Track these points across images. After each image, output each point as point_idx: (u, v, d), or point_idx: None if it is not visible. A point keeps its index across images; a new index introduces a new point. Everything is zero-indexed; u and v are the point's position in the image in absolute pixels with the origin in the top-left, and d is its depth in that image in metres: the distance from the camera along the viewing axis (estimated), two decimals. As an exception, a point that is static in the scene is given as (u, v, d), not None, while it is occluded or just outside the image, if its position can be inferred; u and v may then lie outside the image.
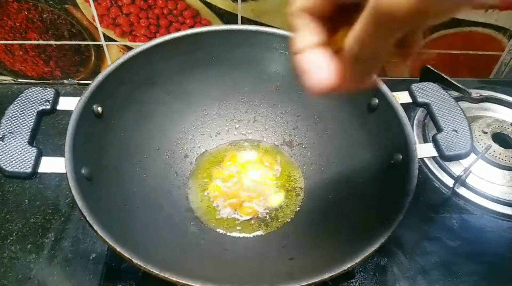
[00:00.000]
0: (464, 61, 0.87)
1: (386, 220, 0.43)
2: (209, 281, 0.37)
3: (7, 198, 0.63)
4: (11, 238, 0.58)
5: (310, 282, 0.38)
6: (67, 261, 0.57)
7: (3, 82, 0.82)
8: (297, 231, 0.56)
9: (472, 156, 0.63)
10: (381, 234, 0.41)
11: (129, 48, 0.78)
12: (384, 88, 0.52)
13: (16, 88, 0.80)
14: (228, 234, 0.56)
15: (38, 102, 0.47)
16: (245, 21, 0.75)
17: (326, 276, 0.38)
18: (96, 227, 0.39)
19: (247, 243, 0.55)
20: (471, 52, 0.85)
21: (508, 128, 0.70)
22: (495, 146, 0.67)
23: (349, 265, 0.39)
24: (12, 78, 0.82)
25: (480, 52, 0.85)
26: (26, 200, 0.63)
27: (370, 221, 0.47)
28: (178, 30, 0.76)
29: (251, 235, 0.56)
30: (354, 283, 0.56)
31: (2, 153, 0.43)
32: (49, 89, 0.48)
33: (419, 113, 0.74)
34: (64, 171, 0.42)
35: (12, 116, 0.45)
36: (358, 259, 0.39)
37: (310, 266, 0.43)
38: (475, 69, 0.88)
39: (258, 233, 0.57)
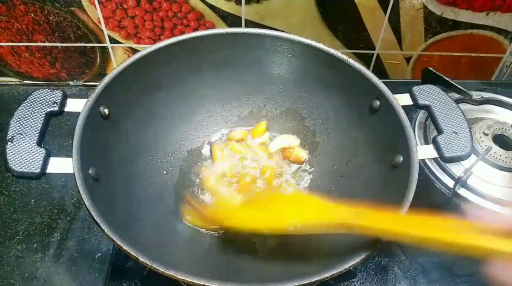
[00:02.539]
0: (465, 63, 0.87)
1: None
2: (213, 279, 0.38)
3: (13, 198, 0.64)
4: (17, 237, 0.59)
5: (312, 280, 0.38)
6: (73, 260, 0.57)
7: (10, 83, 0.83)
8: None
9: (473, 157, 0.64)
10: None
11: (134, 50, 0.79)
12: (386, 90, 0.53)
13: (23, 89, 0.81)
14: (231, 233, 0.57)
15: (46, 103, 0.48)
16: (249, 23, 0.76)
17: (327, 274, 0.39)
18: (103, 226, 0.40)
19: (249, 242, 0.56)
20: (472, 54, 0.86)
21: (509, 130, 0.71)
22: (496, 148, 0.68)
23: (350, 264, 0.39)
24: (18, 80, 0.83)
25: (481, 54, 0.86)
26: (32, 200, 0.64)
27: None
28: (182, 32, 0.77)
29: (252, 235, 0.57)
30: (355, 283, 0.57)
31: (11, 153, 0.44)
32: (57, 91, 0.49)
33: (421, 114, 0.75)
34: (72, 172, 0.43)
35: (21, 118, 0.46)
36: (359, 258, 0.40)
37: (311, 265, 0.44)
38: (476, 71, 0.88)
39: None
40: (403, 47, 0.83)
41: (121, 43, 0.78)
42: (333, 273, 0.39)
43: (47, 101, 0.48)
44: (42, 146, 0.45)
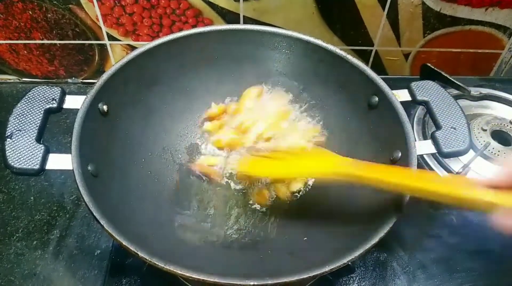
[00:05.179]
0: (464, 59, 0.87)
1: (385, 215, 0.43)
2: (213, 274, 0.38)
3: (13, 196, 0.64)
4: (17, 234, 0.60)
5: (311, 275, 0.38)
6: (72, 257, 0.58)
7: (8, 81, 0.83)
8: (297, 226, 0.57)
9: (471, 153, 0.64)
10: (381, 229, 0.42)
11: (132, 47, 0.79)
12: (384, 86, 0.53)
13: (21, 87, 0.81)
14: (230, 230, 0.57)
15: (45, 100, 0.48)
16: (247, 20, 0.76)
17: (326, 269, 0.39)
18: (102, 222, 0.40)
19: (249, 238, 0.56)
20: (471, 50, 0.86)
21: (507, 125, 0.71)
22: (494, 143, 0.68)
23: (348, 259, 0.39)
24: (17, 77, 0.83)
25: (480, 50, 0.86)
26: (32, 198, 0.64)
27: (369, 217, 0.48)
28: (180, 29, 0.77)
29: (252, 230, 0.57)
30: (354, 278, 0.57)
31: (10, 150, 0.44)
32: (55, 88, 0.49)
33: (419, 110, 0.75)
34: (71, 168, 0.43)
35: (20, 114, 0.46)
36: (357, 253, 0.40)
37: (310, 259, 0.44)
38: (475, 67, 0.89)
39: (260, 228, 0.58)
40: (402, 43, 0.83)
41: (120, 40, 0.78)
42: (332, 267, 0.39)
43: (46, 98, 0.48)
44: (41, 142, 0.45)
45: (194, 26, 0.77)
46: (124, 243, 0.39)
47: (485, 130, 0.70)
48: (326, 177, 0.47)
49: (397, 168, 0.47)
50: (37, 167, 0.43)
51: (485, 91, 0.78)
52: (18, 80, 0.83)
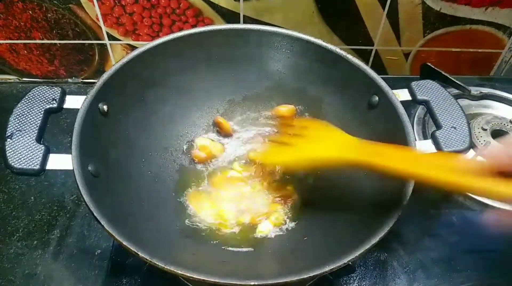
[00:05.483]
0: (464, 59, 0.87)
1: (386, 215, 0.43)
2: (213, 274, 0.38)
3: (13, 196, 0.64)
4: (17, 234, 0.60)
5: (311, 275, 0.38)
6: (73, 257, 0.58)
7: (8, 81, 0.83)
8: (298, 226, 0.57)
9: (472, 152, 0.64)
10: (381, 229, 0.42)
11: (133, 47, 0.79)
12: (384, 85, 0.53)
13: (21, 87, 0.81)
14: (230, 230, 0.57)
15: (45, 100, 0.48)
16: (247, 20, 0.76)
17: (327, 269, 0.39)
18: (103, 222, 0.40)
19: (248, 238, 0.56)
20: (471, 49, 0.86)
21: (507, 125, 0.71)
22: (494, 143, 0.68)
23: (349, 258, 0.39)
24: (17, 77, 0.83)
25: (480, 50, 0.86)
26: (32, 197, 0.64)
27: (369, 216, 0.48)
28: (180, 29, 0.77)
29: (252, 230, 0.57)
30: (355, 277, 0.57)
31: (10, 150, 0.44)
32: (55, 88, 0.49)
33: (420, 110, 0.75)
34: (71, 168, 0.43)
35: (20, 115, 0.46)
36: (357, 253, 0.40)
37: (311, 259, 0.44)
38: (475, 66, 0.89)
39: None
40: (402, 42, 0.83)
41: (120, 40, 0.78)
42: (332, 267, 0.39)
43: (46, 98, 0.48)
44: (42, 142, 0.45)
45: (194, 26, 0.77)
46: (125, 243, 0.39)
47: (485, 130, 0.70)
48: (336, 162, 0.48)
49: (407, 153, 0.46)
50: (37, 167, 0.43)
51: (485, 90, 0.78)
52: (18, 80, 0.83)
